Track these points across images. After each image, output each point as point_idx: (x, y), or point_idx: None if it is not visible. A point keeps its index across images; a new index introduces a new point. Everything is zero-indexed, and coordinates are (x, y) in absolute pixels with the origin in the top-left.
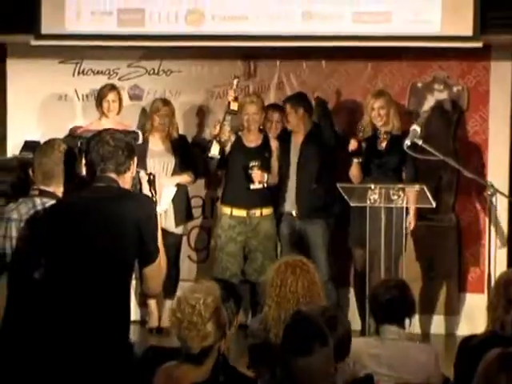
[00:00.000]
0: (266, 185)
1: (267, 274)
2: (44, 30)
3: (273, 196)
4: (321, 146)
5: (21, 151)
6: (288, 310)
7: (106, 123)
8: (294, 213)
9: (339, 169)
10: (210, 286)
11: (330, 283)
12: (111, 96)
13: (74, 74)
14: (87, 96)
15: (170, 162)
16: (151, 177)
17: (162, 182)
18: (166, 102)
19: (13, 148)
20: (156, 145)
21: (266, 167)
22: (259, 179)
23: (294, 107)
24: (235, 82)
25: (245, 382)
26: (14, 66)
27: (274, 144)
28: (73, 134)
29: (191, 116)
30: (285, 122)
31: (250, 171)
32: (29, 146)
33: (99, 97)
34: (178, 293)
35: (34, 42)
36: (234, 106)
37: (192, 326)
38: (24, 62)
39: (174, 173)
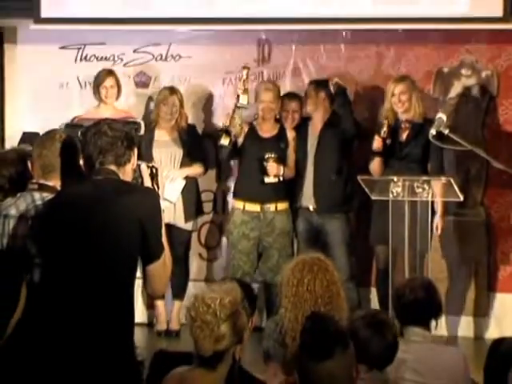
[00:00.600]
0: (281, 178)
1: (283, 272)
2: (44, 14)
3: (289, 189)
4: (340, 134)
5: (19, 143)
6: (305, 311)
7: (105, 110)
8: (311, 207)
9: (358, 159)
10: (230, 286)
11: (351, 282)
12: (109, 82)
13: (75, 60)
14: (90, 84)
15: (178, 152)
16: (153, 170)
17: (171, 174)
18: (173, 91)
19: (10, 139)
20: (163, 135)
21: (281, 159)
22: (275, 172)
23: (316, 90)
24: (245, 72)
25: None
26: (11, 52)
27: (291, 135)
28: (73, 123)
29: (201, 104)
30: (303, 111)
31: (264, 163)
32: (27, 137)
33: (96, 83)
34: (196, 291)
35: (33, 27)
36: (244, 100)
37: (205, 325)
38: (22, 48)
39: (183, 164)
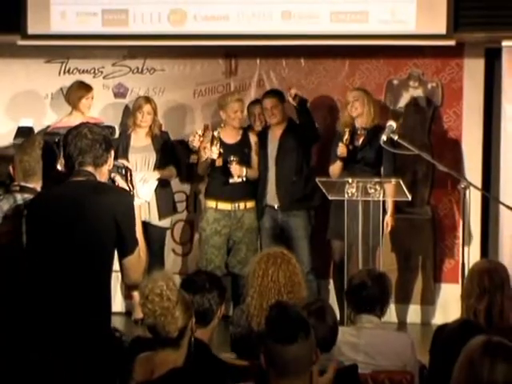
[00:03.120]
0: (244, 178)
1: (249, 265)
2: (30, 31)
3: (256, 189)
4: (299, 138)
5: (14, 137)
6: (270, 299)
7: (77, 118)
8: (276, 206)
9: (317, 161)
10: (160, 273)
11: (311, 274)
12: (91, 94)
13: (59, 74)
14: None
15: (152, 157)
16: (128, 171)
17: (144, 175)
18: (148, 100)
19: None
20: (138, 141)
21: (245, 162)
22: (238, 173)
23: (277, 100)
24: (216, 133)
25: (228, 370)
26: (1, 66)
27: (254, 139)
28: (51, 132)
29: (174, 113)
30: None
31: (228, 165)
32: (22, 132)
33: (78, 95)
34: (142, 285)
35: (20, 42)
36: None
37: (166, 311)
38: (10, 62)
39: (156, 168)
